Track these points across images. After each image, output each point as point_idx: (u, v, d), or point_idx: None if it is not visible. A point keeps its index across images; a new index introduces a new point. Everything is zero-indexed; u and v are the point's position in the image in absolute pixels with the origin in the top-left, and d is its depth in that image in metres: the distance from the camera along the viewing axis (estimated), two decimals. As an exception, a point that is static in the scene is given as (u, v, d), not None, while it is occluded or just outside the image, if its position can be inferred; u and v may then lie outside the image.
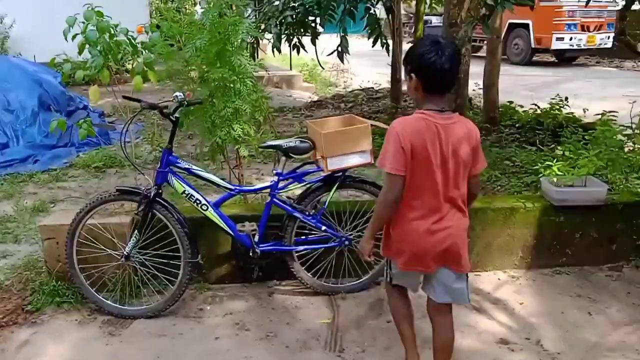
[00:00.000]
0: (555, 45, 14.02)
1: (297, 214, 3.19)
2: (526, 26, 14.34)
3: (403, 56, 2.30)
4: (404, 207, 2.23)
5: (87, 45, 3.34)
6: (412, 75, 2.16)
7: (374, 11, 6.34)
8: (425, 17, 10.52)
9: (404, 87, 9.14)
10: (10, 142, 6.05)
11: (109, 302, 3.17)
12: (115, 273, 3.23)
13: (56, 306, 3.20)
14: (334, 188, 3.18)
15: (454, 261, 2.33)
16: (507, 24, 14.46)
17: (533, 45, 14.38)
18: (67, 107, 7.00)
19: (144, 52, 3.58)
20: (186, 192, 3.11)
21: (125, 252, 3.11)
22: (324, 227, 3.24)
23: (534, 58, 15.07)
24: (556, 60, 15.46)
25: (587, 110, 5.75)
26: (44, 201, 4.74)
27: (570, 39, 13.90)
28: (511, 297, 3.38)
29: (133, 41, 3.53)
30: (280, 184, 3.19)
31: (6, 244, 3.95)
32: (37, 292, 3.25)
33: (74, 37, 3.36)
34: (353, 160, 3.14)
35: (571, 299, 3.37)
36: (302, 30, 6.69)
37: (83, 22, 3.32)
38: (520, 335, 3.00)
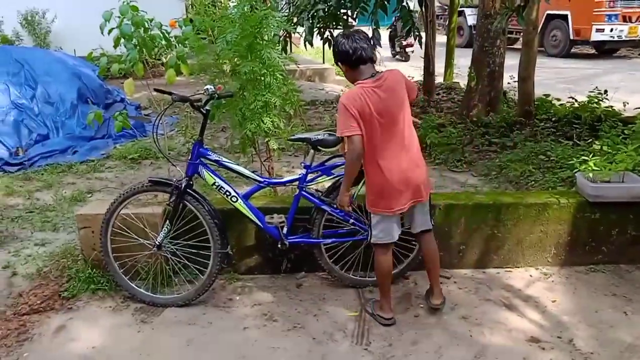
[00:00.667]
0: (595, 36, 13.48)
1: (325, 207, 3.19)
2: (564, 17, 13.86)
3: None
4: (377, 162, 2.78)
5: (122, 39, 3.41)
6: (340, 64, 2.81)
7: (407, 3, 6.25)
8: (459, 9, 10.34)
9: (438, 80, 9.03)
10: (50, 133, 6.26)
11: (141, 290, 3.25)
12: (147, 262, 3.31)
13: (91, 293, 3.30)
14: (362, 181, 3.17)
15: (420, 195, 2.90)
16: (544, 15, 14.06)
17: (571, 37, 13.88)
18: (105, 100, 7.19)
19: (177, 45, 3.63)
20: (216, 183, 3.15)
21: (157, 242, 3.18)
22: (351, 220, 3.24)
23: (573, 50, 14.61)
24: (596, 53, 14.95)
25: (628, 104, 5.57)
26: (81, 191, 4.89)
27: (611, 30, 13.32)
28: (543, 295, 3.31)
29: (167, 35, 3.58)
30: (309, 177, 3.20)
31: (45, 232, 4.10)
32: (74, 279, 3.36)
33: (110, 31, 3.44)
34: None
35: (606, 297, 3.28)
36: (334, 23, 6.66)
37: (119, 17, 3.39)
38: (551, 333, 2.94)
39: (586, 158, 3.63)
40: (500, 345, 2.84)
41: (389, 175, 2.79)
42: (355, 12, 6.38)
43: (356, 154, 2.73)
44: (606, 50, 14.70)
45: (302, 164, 3.22)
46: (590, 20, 13.36)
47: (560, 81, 10.10)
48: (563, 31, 14.16)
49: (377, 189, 2.84)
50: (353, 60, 2.75)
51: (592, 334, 2.94)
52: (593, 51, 15.09)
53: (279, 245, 3.23)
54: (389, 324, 3.01)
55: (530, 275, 3.54)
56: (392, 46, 14.36)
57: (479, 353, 2.78)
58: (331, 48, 2.78)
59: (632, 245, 3.61)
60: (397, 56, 14.18)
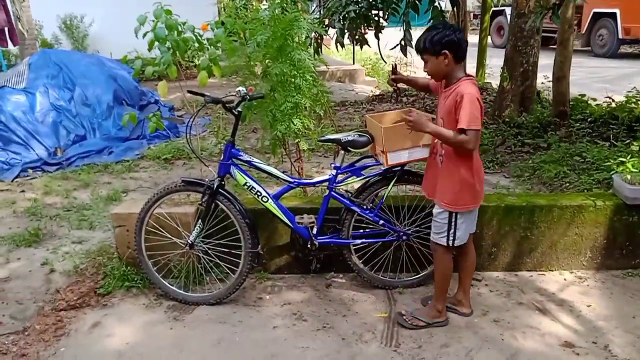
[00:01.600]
0: None
1: (354, 208, 3.20)
2: (612, 15, 13.37)
3: (421, 44, 2.73)
4: (473, 158, 2.76)
5: (156, 42, 3.48)
6: (446, 52, 2.65)
7: (439, 3, 6.19)
8: (500, 8, 10.13)
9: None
10: (87, 134, 6.43)
11: (174, 288, 3.31)
12: (180, 260, 3.37)
13: (125, 290, 3.38)
14: (392, 182, 3.17)
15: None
16: (591, 14, 13.72)
17: (620, 36, 13.32)
18: (140, 102, 7.35)
19: (209, 48, 3.69)
20: (247, 184, 3.19)
21: (189, 241, 3.24)
22: (381, 221, 3.23)
23: (621, 50, 14.06)
24: None
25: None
26: (117, 190, 5.01)
27: None
28: (578, 299, 3.24)
29: (199, 38, 3.64)
30: (339, 178, 3.21)
31: (82, 230, 4.21)
32: (109, 277, 3.44)
33: (144, 34, 3.52)
34: (414, 155, 3.10)
35: (644, 303, 3.19)
36: (365, 24, 6.65)
37: (153, 21, 3.47)
38: (586, 339, 2.88)
39: (624, 159, 3.54)
40: (532, 350, 2.79)
41: (478, 173, 2.80)
42: (387, 13, 6.35)
43: (473, 147, 2.65)
44: None
45: (332, 165, 3.23)
46: (634, 20, 12.93)
47: (597, 80, 9.84)
48: (610, 30, 13.69)
49: (468, 187, 2.77)
50: (461, 52, 2.69)
51: (629, 340, 2.86)
52: None
53: (309, 246, 3.25)
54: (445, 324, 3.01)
55: (565, 279, 3.47)
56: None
57: (510, 357, 2.74)
58: (437, 35, 2.64)
59: (672, 249, 3.50)
60: None
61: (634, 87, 5.88)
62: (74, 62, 7.06)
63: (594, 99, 6.44)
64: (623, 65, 12.48)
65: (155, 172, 5.67)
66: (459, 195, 2.76)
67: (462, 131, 2.58)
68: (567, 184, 4.46)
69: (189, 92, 3.22)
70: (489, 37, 15.18)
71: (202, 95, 3.07)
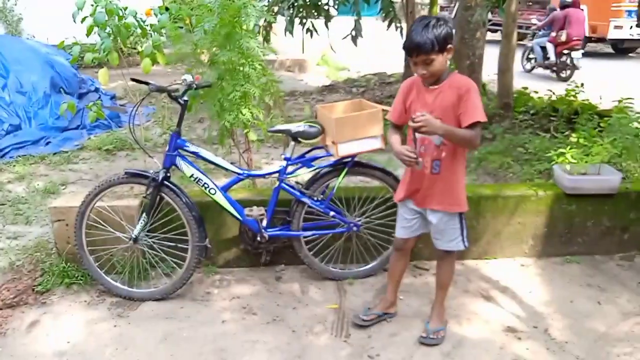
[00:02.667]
0: (613, 34, 12.31)
1: (305, 199, 3.17)
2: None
3: (429, 45, 2.37)
4: (465, 158, 2.65)
5: (95, 28, 3.33)
6: (450, 46, 2.43)
7: (388, -6, 6.24)
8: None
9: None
10: (22, 123, 6.10)
11: (117, 284, 3.19)
12: (123, 255, 3.26)
13: (65, 287, 3.24)
14: (343, 173, 3.16)
15: None
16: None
17: (586, 34, 12.28)
18: (79, 90, 7.04)
19: (153, 34, 3.56)
20: (194, 175, 3.10)
21: (133, 235, 3.13)
22: (332, 213, 3.22)
23: (587, 49, 12.89)
24: (613, 52, 13.60)
25: (602, 97, 5.66)
26: (55, 183, 4.78)
27: (631, 27, 12.20)
28: (520, 286, 3.35)
29: (142, 24, 3.51)
30: (289, 169, 3.18)
31: (17, 225, 4.00)
32: (47, 273, 3.29)
33: (83, 19, 3.35)
34: (364, 146, 3.10)
35: (581, 288, 3.34)
36: (315, 13, 6.61)
37: (92, 5, 3.30)
38: (527, 323, 2.98)
39: (563, 150, 3.67)
40: (477, 336, 2.87)
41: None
42: (337, 2, 6.34)
43: (480, 141, 2.57)
44: (623, 49, 13.49)
45: (282, 156, 3.19)
46: (608, 15, 12.30)
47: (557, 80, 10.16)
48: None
49: (464, 182, 2.67)
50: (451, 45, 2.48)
51: (567, 323, 2.98)
52: (610, 50, 13.82)
53: (259, 238, 3.20)
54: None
55: (508, 267, 3.58)
56: None
57: (456, 344, 2.80)
58: (440, 30, 2.36)
59: (606, 236, 3.68)
60: None
61: (573, 81, 6.12)
62: (7, 47, 6.67)
63: (536, 92, 6.67)
64: (592, 66, 11.75)
65: (97, 163, 5.45)
66: (462, 194, 2.64)
67: (471, 126, 2.43)
68: (511, 175, 4.61)
69: (132, 80, 3.09)
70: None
71: (146, 83, 2.96)
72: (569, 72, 10.58)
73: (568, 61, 10.57)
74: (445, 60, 2.44)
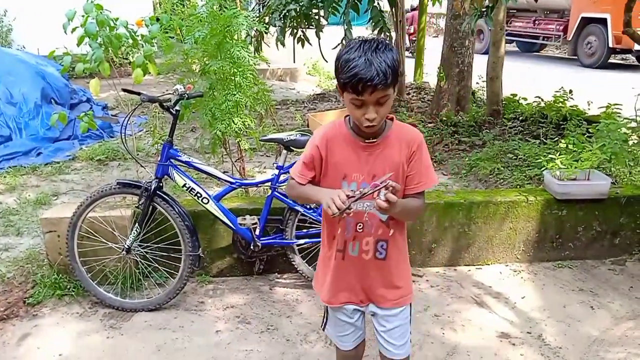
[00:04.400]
0: None
1: (298, 207, 3.18)
2: (603, 21, 11.58)
3: (385, 72, 1.65)
4: None
5: (86, 38, 3.32)
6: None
7: (378, 3, 6.27)
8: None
9: (408, 79, 9.10)
10: (13, 134, 6.06)
11: (110, 295, 3.17)
12: (116, 266, 3.24)
13: (57, 299, 3.21)
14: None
15: None
16: (579, 19, 12.33)
17: (610, 45, 11.57)
18: (70, 100, 7.02)
19: (144, 44, 3.56)
20: (187, 185, 3.10)
21: (126, 245, 3.11)
22: (324, 221, 3.22)
23: (611, 60, 12.27)
24: (638, 64, 12.63)
25: (592, 102, 5.72)
26: (46, 194, 4.75)
27: None
28: (513, 291, 3.36)
29: (133, 34, 3.51)
30: (281, 177, 3.18)
31: (8, 237, 3.97)
32: (39, 285, 3.26)
33: (73, 30, 3.35)
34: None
35: (573, 293, 3.36)
36: (306, 23, 6.64)
37: (83, 16, 3.30)
38: (521, 329, 2.99)
39: (553, 156, 3.71)
40: (471, 343, 2.88)
41: None
42: (327, 12, 6.37)
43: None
44: None
45: (275, 165, 3.20)
46: (635, 25, 11.51)
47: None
48: (600, 38, 11.96)
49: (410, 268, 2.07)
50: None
51: (560, 329, 3.00)
52: (635, 62, 12.86)
53: (252, 247, 3.20)
54: None
55: (500, 272, 3.60)
56: None
57: (451, 351, 2.81)
58: (392, 55, 1.66)
59: (597, 241, 3.71)
60: None
61: (562, 87, 6.18)
62: (-4, 58, 6.64)
63: (525, 99, 6.73)
64: (615, 78, 10.84)
65: (88, 174, 5.42)
66: (410, 276, 2.02)
67: (420, 192, 1.85)
68: (502, 180, 4.64)
69: (124, 90, 3.09)
70: None
71: (138, 93, 2.97)
72: None
73: None
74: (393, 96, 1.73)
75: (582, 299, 3.28)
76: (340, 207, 1.62)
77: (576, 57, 12.90)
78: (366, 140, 1.80)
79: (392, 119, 1.84)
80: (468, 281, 3.49)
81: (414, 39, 12.78)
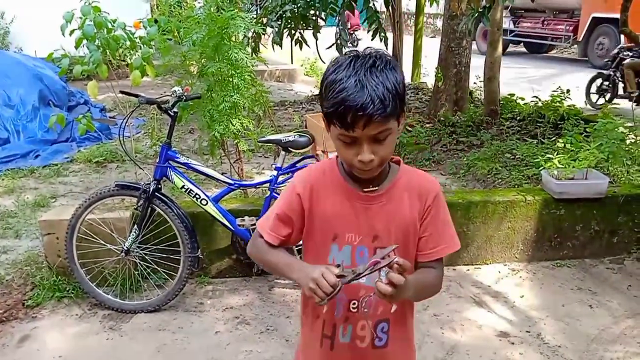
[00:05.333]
0: None
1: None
2: (615, 21, 10.06)
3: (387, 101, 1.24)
4: None
5: (84, 40, 3.33)
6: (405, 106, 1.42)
7: (373, 4, 6.29)
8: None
9: (405, 80, 9.11)
10: (11, 137, 6.06)
11: (109, 296, 3.17)
12: (115, 268, 3.23)
13: (56, 301, 3.21)
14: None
15: None
16: (590, 19, 11.95)
17: (623, 45, 10.87)
18: (68, 102, 7.02)
19: (142, 46, 3.57)
20: (185, 186, 3.10)
21: (125, 247, 3.11)
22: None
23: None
24: None
25: (587, 103, 5.73)
26: (44, 196, 4.75)
27: None
28: (511, 290, 3.37)
29: (131, 36, 3.52)
30: (280, 179, 3.18)
31: (7, 239, 3.96)
32: (38, 287, 3.26)
33: (71, 32, 3.35)
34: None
35: (572, 292, 3.37)
36: (303, 24, 6.64)
37: (81, 18, 3.31)
38: (520, 328, 3.00)
39: (551, 156, 3.72)
40: (471, 342, 2.88)
41: None
42: (326, 13, 6.37)
43: None
44: None
45: (273, 166, 3.20)
46: None
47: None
48: (612, 38, 11.45)
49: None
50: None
51: (559, 327, 3.00)
52: None
53: (250, 248, 3.20)
54: None
55: (499, 272, 3.60)
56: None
57: (450, 350, 2.81)
58: (396, 76, 1.26)
59: (596, 240, 3.72)
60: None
61: (559, 87, 6.20)
62: (-6, 60, 6.64)
63: (522, 98, 6.75)
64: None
65: (87, 176, 5.42)
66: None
67: (438, 259, 1.42)
68: (500, 180, 4.65)
69: (122, 92, 3.10)
70: (474, 43, 13.16)
71: (136, 95, 2.97)
72: None
73: None
74: (397, 134, 1.32)
75: (581, 298, 3.29)
76: (328, 293, 1.20)
77: (587, 59, 12.62)
78: (365, 190, 1.36)
79: (398, 162, 1.42)
80: (467, 281, 3.49)
81: (352, 32, 13.13)
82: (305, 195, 1.38)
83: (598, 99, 8.32)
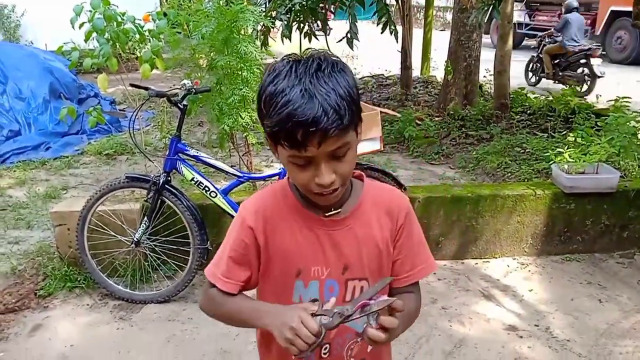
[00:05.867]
0: None
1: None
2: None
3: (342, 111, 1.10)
4: None
5: (94, 33, 3.35)
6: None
7: (383, -3, 6.28)
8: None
9: (415, 74, 9.08)
10: (22, 129, 6.11)
11: (119, 287, 3.21)
12: (125, 259, 3.27)
13: (68, 291, 3.24)
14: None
15: None
16: (608, 12, 11.73)
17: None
18: (78, 95, 7.06)
19: (151, 40, 3.58)
20: (195, 179, 3.12)
21: (135, 238, 3.14)
22: (332, 214, 3.22)
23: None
24: None
25: (601, 96, 5.68)
26: (55, 188, 4.79)
27: None
28: (520, 284, 3.36)
29: (140, 29, 3.53)
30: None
31: (19, 230, 4.01)
32: (49, 277, 3.29)
33: (81, 25, 3.37)
34: (363, 148, 3.12)
35: (581, 286, 3.35)
36: (312, 17, 6.64)
37: (90, 11, 3.33)
38: (529, 322, 3.00)
39: (561, 150, 3.70)
40: (479, 335, 2.88)
41: None
42: (335, 7, 6.37)
43: None
44: None
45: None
46: None
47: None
48: (632, 32, 11.24)
49: None
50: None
51: (568, 322, 3.00)
52: None
53: (259, 240, 3.20)
54: None
55: (508, 266, 3.60)
56: None
57: (458, 343, 2.81)
58: (349, 80, 1.08)
59: (606, 234, 3.70)
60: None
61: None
62: (5, 54, 6.69)
63: (532, 92, 6.70)
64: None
65: (97, 168, 5.46)
66: None
67: (416, 283, 1.28)
68: (509, 174, 4.63)
69: (132, 85, 3.11)
70: (488, 37, 13.42)
71: (146, 88, 2.98)
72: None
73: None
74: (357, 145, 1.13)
75: (590, 292, 3.28)
76: (310, 343, 1.01)
77: (604, 53, 12.20)
78: (327, 214, 1.17)
79: (360, 178, 1.24)
80: (476, 274, 3.49)
81: None
82: (259, 227, 1.18)
83: (531, 77, 9.93)
